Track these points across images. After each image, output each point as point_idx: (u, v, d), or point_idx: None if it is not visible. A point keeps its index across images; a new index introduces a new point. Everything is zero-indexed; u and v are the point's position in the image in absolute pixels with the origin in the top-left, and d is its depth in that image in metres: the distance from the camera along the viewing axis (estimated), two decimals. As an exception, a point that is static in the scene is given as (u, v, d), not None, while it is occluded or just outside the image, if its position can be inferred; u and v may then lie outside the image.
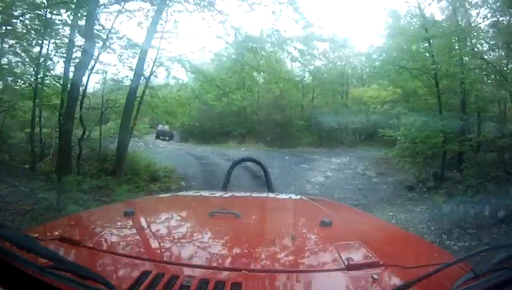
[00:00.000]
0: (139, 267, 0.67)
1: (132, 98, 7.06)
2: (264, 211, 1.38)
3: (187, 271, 0.66)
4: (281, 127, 18.46)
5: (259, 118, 19.82)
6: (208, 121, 18.86)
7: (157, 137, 20.85)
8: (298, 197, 1.56)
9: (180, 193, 1.73)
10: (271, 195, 1.74)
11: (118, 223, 0.98)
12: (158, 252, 0.77)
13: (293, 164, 11.99)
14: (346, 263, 0.70)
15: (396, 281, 0.67)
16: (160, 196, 1.83)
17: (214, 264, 0.70)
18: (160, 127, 20.81)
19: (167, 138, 20.76)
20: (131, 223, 0.97)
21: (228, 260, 0.73)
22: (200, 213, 1.23)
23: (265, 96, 20.70)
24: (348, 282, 0.66)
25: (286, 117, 18.82)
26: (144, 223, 1.00)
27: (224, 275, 0.65)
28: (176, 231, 0.96)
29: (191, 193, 1.67)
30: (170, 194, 1.76)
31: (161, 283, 0.61)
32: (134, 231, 0.93)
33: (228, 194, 1.57)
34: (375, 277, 0.66)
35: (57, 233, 0.84)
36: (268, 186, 2.05)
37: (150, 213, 1.19)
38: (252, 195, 1.69)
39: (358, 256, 0.73)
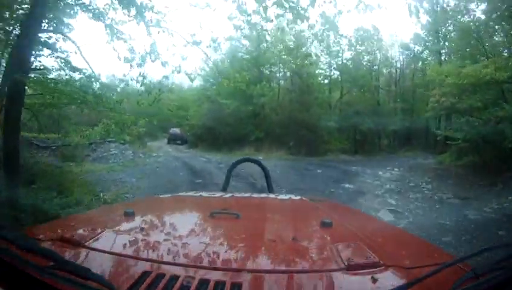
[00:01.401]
0: (139, 267, 0.69)
1: (15, 84, 3.37)
2: (265, 211, 1.40)
3: (187, 271, 0.67)
4: (307, 129, 14.72)
5: (280, 119, 17.90)
6: (219, 124, 15.49)
7: (169, 142, 20.46)
8: (298, 197, 1.60)
9: (181, 193, 1.77)
10: (271, 195, 1.77)
11: (118, 223, 1.00)
12: (158, 252, 0.78)
13: (331, 181, 9.20)
14: (346, 263, 0.71)
15: (396, 281, 0.67)
16: (160, 196, 1.77)
17: (214, 265, 0.71)
18: (172, 130, 20.66)
19: (179, 142, 20.19)
20: (131, 223, 0.99)
21: (228, 260, 0.74)
22: (201, 213, 1.27)
23: (287, 93, 17.20)
24: (348, 282, 0.67)
25: (313, 116, 15.10)
26: (143, 223, 1.00)
27: (224, 275, 0.67)
28: (176, 231, 0.98)
29: (191, 193, 1.70)
30: (170, 195, 1.77)
31: (161, 284, 0.63)
32: (134, 231, 0.92)
33: (228, 195, 1.62)
34: (376, 277, 0.68)
35: (57, 233, 0.87)
36: (269, 187, 2.04)
37: (150, 213, 1.22)
38: (253, 196, 1.78)
39: (358, 256, 0.74)
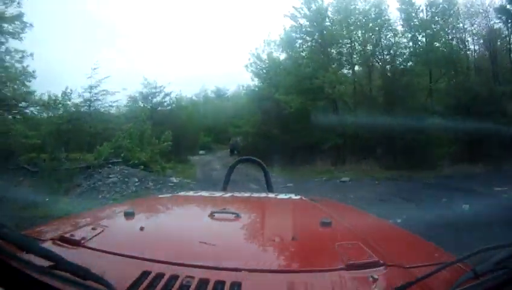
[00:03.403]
0: (139, 267, 0.73)
1: None
2: (264, 211, 1.48)
3: (187, 271, 0.71)
4: (408, 129, 9.61)
5: (362, 116, 13.27)
6: (279, 130, 11.43)
7: (232, 152, 20.42)
8: (298, 197, 1.69)
9: (180, 193, 1.92)
10: (271, 195, 1.88)
11: (118, 223, 1.08)
12: (158, 252, 0.82)
13: None
14: (346, 262, 0.76)
15: (396, 281, 0.69)
16: (160, 196, 1.94)
17: (214, 264, 0.74)
18: (232, 140, 20.52)
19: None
20: (131, 223, 1.06)
21: (228, 260, 0.77)
22: (200, 213, 1.36)
23: (367, 80, 12.21)
24: (348, 282, 0.71)
25: (415, 111, 9.95)
26: (143, 223, 1.05)
27: (224, 274, 0.70)
28: (176, 231, 1.06)
29: (191, 193, 1.83)
30: (170, 195, 1.91)
31: (161, 283, 0.67)
32: (134, 231, 0.98)
33: (228, 195, 1.73)
34: (375, 276, 0.71)
35: (57, 233, 0.93)
36: (268, 186, 2.21)
37: (150, 213, 1.34)
38: (252, 195, 1.89)
39: (358, 256, 0.78)
